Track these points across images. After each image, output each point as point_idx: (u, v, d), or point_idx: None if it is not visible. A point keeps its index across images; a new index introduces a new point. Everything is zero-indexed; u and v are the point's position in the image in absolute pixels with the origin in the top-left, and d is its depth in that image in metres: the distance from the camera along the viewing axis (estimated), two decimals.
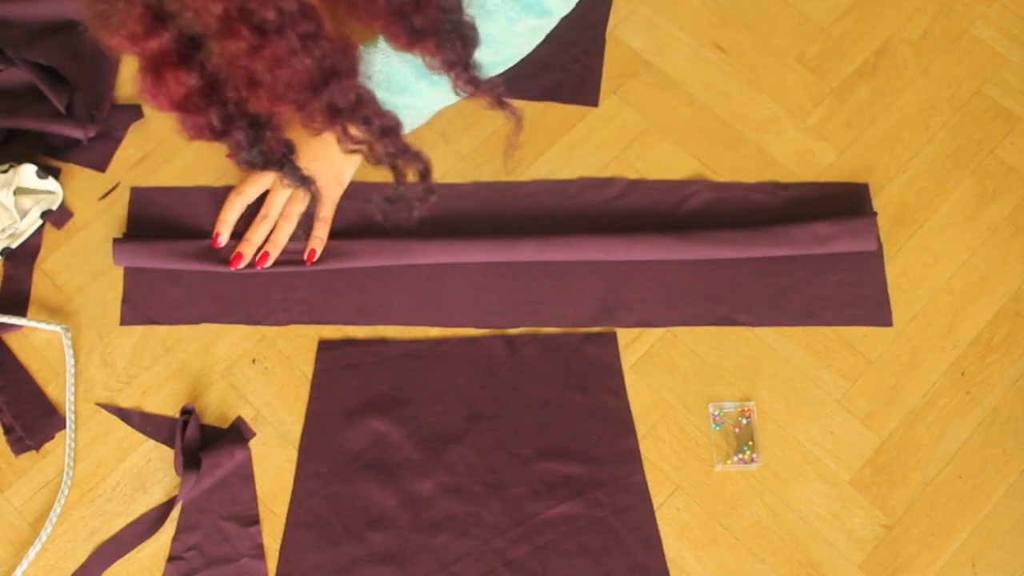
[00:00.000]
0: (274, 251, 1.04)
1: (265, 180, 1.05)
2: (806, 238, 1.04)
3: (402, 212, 0.89)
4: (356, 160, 1.05)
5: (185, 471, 0.95)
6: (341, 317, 1.04)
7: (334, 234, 1.06)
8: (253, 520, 0.96)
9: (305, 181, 0.89)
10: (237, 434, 0.99)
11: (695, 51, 1.17)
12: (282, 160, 0.85)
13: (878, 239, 1.07)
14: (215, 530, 0.96)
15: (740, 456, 0.98)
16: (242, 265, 1.04)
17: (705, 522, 0.96)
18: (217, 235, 1.05)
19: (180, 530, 0.95)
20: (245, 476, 0.98)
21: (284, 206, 1.05)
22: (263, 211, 1.05)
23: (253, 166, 0.84)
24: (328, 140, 1.02)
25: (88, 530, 0.96)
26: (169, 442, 0.99)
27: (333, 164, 1.05)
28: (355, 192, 1.09)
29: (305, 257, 1.04)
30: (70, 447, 0.98)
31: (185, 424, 0.97)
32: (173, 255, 1.05)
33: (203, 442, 0.98)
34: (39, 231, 1.08)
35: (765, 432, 1.00)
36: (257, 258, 1.04)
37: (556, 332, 1.04)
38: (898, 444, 0.99)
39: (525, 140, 1.13)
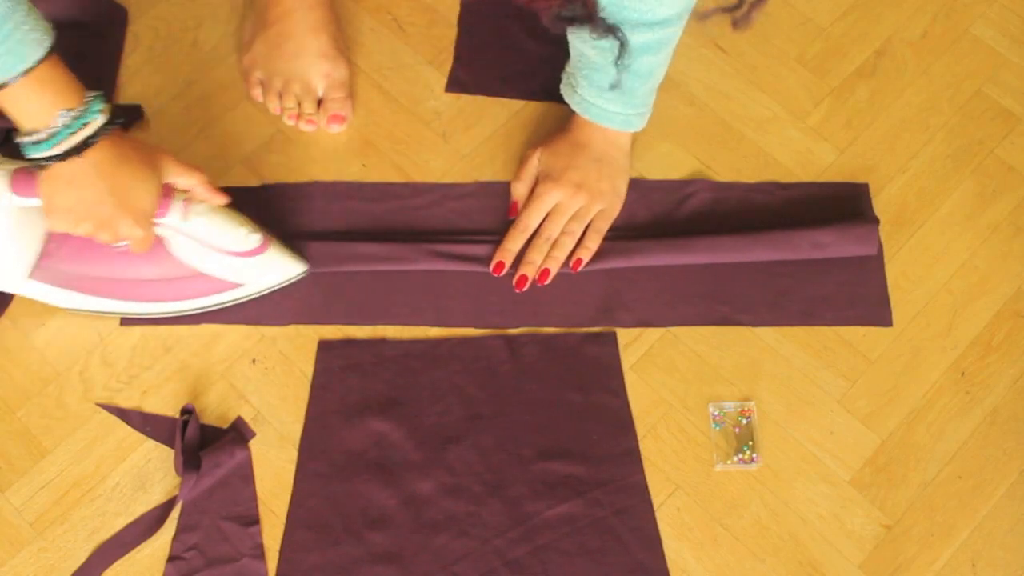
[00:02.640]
0: (555, 267, 1.04)
1: (545, 205, 1.04)
2: (806, 244, 1.04)
3: (739, 17, 0.88)
4: (627, 177, 1.08)
5: (185, 471, 0.95)
6: (341, 317, 1.04)
7: (339, 236, 1.06)
8: (253, 520, 0.96)
9: (612, 30, 0.89)
10: (237, 434, 0.99)
11: (695, 51, 1.17)
12: (593, 14, 0.85)
13: (879, 245, 1.07)
14: (215, 530, 0.95)
15: (740, 456, 0.98)
16: (526, 287, 1.04)
17: (705, 522, 0.96)
18: (501, 264, 1.04)
19: (180, 530, 0.95)
20: (245, 476, 0.98)
21: (566, 224, 1.05)
22: (545, 232, 1.04)
23: (572, 22, 0.85)
24: (608, 163, 1.05)
25: (88, 530, 0.96)
26: (169, 442, 0.99)
27: (616, 185, 1.06)
28: (369, 195, 1.09)
29: (571, 265, 1.04)
30: None
31: (185, 424, 0.97)
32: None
33: (203, 442, 0.98)
34: None
35: (765, 432, 1.00)
36: (538, 275, 1.04)
37: (556, 332, 1.04)
38: (898, 444, 0.99)
39: (525, 140, 1.13)
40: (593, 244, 1.05)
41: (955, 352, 1.03)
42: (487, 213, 1.08)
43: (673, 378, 1.02)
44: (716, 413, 1.00)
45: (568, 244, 1.04)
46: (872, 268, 1.06)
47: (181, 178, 0.93)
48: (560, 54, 1.17)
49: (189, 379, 1.02)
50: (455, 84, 1.16)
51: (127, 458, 0.99)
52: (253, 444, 0.99)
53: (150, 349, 1.03)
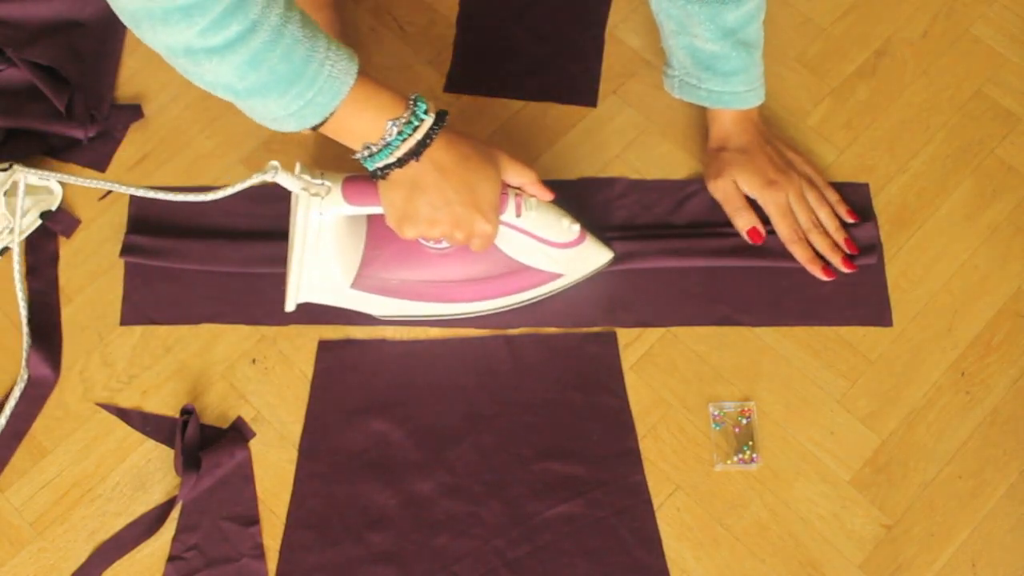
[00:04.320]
0: (837, 254, 1.05)
1: (786, 212, 1.05)
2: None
3: None
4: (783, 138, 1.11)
5: (185, 471, 0.95)
6: (341, 317, 1.04)
7: None
8: (253, 520, 0.96)
9: None
10: (237, 434, 0.99)
11: None
12: None
13: (879, 247, 1.06)
14: (215, 530, 0.95)
15: (740, 456, 0.98)
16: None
17: (705, 522, 0.96)
18: (828, 271, 1.04)
19: (180, 530, 0.95)
20: (245, 476, 0.98)
21: (805, 214, 1.05)
22: (807, 228, 1.05)
23: None
24: (768, 138, 1.08)
25: (88, 530, 0.96)
26: (169, 442, 0.99)
27: (787, 150, 1.09)
28: None
29: (846, 250, 1.05)
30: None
31: (185, 424, 0.97)
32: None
33: (203, 442, 0.98)
34: (53, 239, 1.08)
35: (765, 432, 1.00)
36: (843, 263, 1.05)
37: (556, 332, 1.04)
38: (898, 444, 0.99)
39: (525, 140, 1.13)
40: (835, 221, 1.06)
41: (955, 352, 1.03)
42: None
43: (673, 378, 1.02)
44: (716, 413, 1.00)
45: (830, 225, 1.05)
46: (872, 268, 1.06)
47: (515, 176, 0.93)
48: (560, 55, 1.17)
49: (189, 379, 1.02)
50: (455, 84, 1.16)
51: (127, 458, 0.99)
52: (253, 444, 0.99)
53: (150, 349, 1.03)
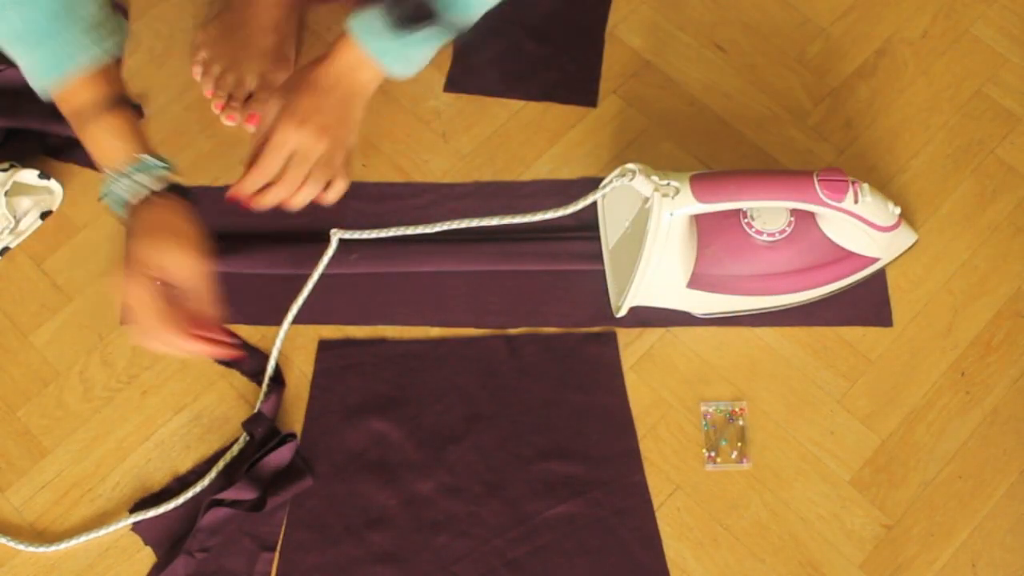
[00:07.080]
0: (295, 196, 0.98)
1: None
2: None
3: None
4: (366, 96, 0.97)
5: (246, 476, 0.94)
6: (341, 317, 1.04)
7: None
8: (271, 546, 0.95)
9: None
10: (304, 466, 0.97)
11: (695, 51, 1.17)
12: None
13: None
14: (234, 542, 0.94)
15: (732, 455, 0.98)
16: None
17: (705, 522, 0.96)
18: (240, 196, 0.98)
19: (201, 528, 0.94)
20: (282, 503, 0.96)
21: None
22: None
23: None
24: (328, 89, 0.96)
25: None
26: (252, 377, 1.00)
27: (338, 109, 0.96)
28: (369, 195, 1.09)
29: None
30: None
31: (282, 441, 0.96)
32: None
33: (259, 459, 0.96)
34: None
35: (765, 432, 1.00)
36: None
37: (556, 332, 1.04)
38: (898, 444, 0.99)
39: (525, 140, 1.13)
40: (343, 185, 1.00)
41: (955, 352, 1.03)
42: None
43: (673, 378, 1.02)
44: (707, 413, 1.00)
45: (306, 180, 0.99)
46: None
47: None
48: (559, 55, 1.17)
49: (189, 379, 1.02)
50: (455, 84, 1.16)
51: (127, 458, 0.99)
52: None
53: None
